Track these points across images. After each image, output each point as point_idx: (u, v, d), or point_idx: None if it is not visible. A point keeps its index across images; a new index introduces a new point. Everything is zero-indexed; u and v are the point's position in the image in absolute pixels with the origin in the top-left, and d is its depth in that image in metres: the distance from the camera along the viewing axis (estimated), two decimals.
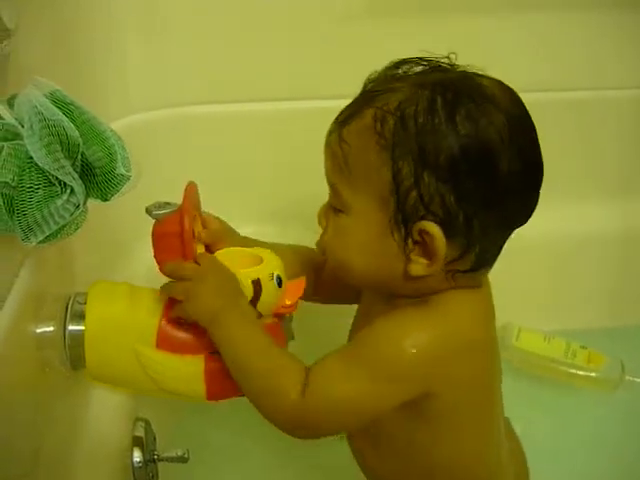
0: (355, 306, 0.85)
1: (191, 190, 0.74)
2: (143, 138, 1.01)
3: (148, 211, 0.73)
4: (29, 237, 0.58)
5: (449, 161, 0.60)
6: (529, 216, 0.67)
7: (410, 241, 0.64)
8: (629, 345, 1.25)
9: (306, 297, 0.80)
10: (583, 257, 1.25)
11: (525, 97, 0.67)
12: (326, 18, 1.06)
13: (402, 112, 0.62)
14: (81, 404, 0.80)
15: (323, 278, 0.86)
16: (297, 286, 0.76)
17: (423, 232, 0.63)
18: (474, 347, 0.69)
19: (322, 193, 1.14)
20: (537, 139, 0.66)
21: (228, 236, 0.79)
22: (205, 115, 1.10)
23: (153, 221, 0.73)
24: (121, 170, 0.61)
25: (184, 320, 0.70)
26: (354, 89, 0.70)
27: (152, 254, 0.73)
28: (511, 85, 0.67)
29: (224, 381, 0.71)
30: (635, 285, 1.28)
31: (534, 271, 1.22)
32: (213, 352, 0.70)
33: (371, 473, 0.82)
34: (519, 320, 1.22)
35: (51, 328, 0.68)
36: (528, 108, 0.66)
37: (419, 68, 0.68)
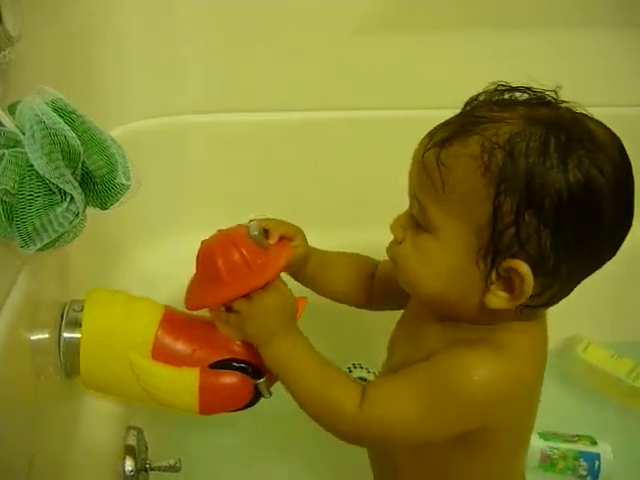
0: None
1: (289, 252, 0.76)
2: (143, 146, 1.01)
3: (252, 226, 0.74)
4: (28, 244, 0.58)
5: (555, 206, 0.59)
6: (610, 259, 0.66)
7: (494, 274, 0.63)
8: None
9: (360, 305, 0.86)
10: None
11: None
12: (335, 30, 1.06)
13: (512, 147, 0.60)
14: (74, 412, 0.80)
15: (375, 286, 0.87)
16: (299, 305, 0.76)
17: (512, 269, 0.62)
18: (532, 391, 0.71)
19: (325, 206, 1.15)
20: (634, 187, 0.65)
21: None
22: (206, 124, 1.11)
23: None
24: (121, 179, 0.61)
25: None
26: (360, 102, 0.70)
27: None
28: None
29: (217, 396, 0.71)
30: None
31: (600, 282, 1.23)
32: (209, 366, 0.70)
33: None
34: (584, 331, 1.27)
35: (46, 335, 0.68)
36: None
37: (524, 96, 0.66)
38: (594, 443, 1.10)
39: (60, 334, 0.71)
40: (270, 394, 0.76)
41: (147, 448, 0.83)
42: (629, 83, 1.16)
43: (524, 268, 0.61)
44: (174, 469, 0.82)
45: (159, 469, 0.82)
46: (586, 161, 0.60)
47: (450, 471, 0.76)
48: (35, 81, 0.59)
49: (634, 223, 1.09)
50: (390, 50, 1.07)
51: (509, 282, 0.63)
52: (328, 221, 1.13)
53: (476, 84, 0.69)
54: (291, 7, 1.04)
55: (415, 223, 0.68)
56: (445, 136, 0.64)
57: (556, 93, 0.66)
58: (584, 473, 1.10)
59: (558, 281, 0.64)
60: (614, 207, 0.61)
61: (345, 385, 0.70)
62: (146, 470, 0.81)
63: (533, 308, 0.66)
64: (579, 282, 0.67)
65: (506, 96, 0.66)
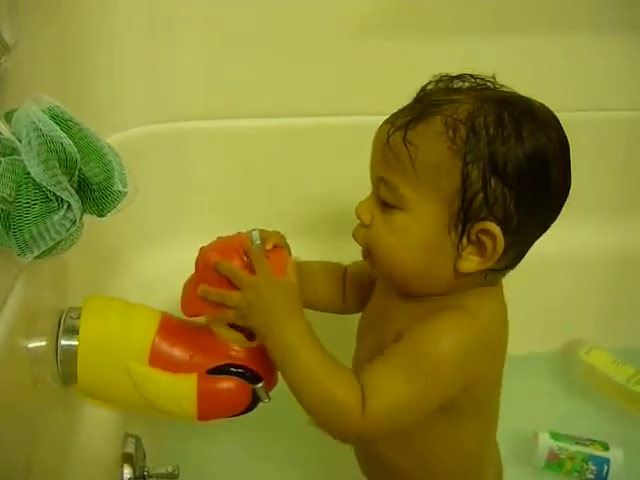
0: None
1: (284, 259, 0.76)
2: (140, 152, 1.01)
3: (254, 235, 0.74)
4: (25, 252, 0.58)
5: (515, 170, 0.67)
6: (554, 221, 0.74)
7: (465, 239, 0.69)
8: None
9: (336, 310, 0.89)
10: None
11: None
12: (336, 34, 1.06)
13: (472, 122, 0.67)
14: (71, 420, 0.80)
15: (347, 288, 0.90)
16: None
17: (483, 232, 0.68)
18: (499, 344, 0.75)
19: (327, 213, 1.14)
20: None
21: None
22: (204, 130, 1.11)
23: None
24: (118, 187, 0.61)
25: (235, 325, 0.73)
26: (363, 106, 0.71)
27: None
28: None
29: (215, 401, 0.71)
30: None
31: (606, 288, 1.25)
32: (207, 371, 0.70)
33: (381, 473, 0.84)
34: (589, 336, 1.28)
35: (44, 343, 0.68)
36: None
37: (467, 84, 0.73)
38: (607, 449, 1.11)
39: (57, 342, 0.71)
40: (269, 399, 0.76)
41: (145, 455, 0.83)
42: (630, 86, 1.16)
43: (495, 229, 0.67)
44: (172, 476, 0.82)
45: (157, 476, 0.81)
46: (536, 130, 0.68)
47: (431, 446, 0.78)
48: (32, 88, 0.60)
49: (633, 223, 1.10)
50: (390, 52, 1.07)
51: (480, 245, 0.69)
52: (329, 228, 1.13)
53: None
54: (291, 12, 1.04)
55: (381, 205, 0.72)
56: (408, 119, 0.70)
57: (494, 79, 0.73)
58: (591, 476, 1.10)
59: (518, 241, 0.70)
60: (559, 168, 0.70)
61: (347, 391, 0.68)
62: (144, 477, 0.80)
63: (497, 272, 0.72)
64: (532, 244, 0.73)
65: (454, 83, 0.73)
